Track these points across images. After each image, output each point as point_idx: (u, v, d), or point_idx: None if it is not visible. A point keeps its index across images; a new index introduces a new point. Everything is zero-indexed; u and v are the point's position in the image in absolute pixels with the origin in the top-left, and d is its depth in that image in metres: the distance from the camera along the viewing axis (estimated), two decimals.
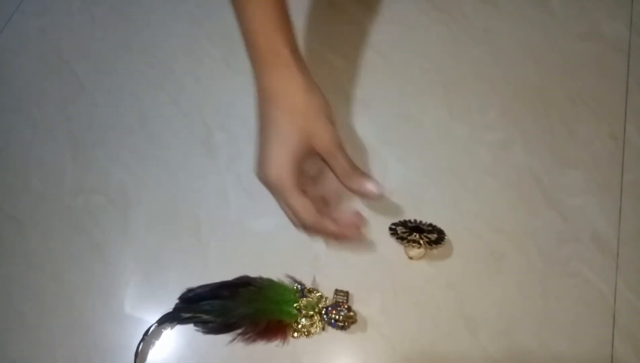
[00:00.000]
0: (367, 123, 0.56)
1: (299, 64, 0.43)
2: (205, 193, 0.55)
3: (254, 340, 0.47)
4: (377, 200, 0.44)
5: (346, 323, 0.46)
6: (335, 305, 0.47)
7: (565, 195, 0.51)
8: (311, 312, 0.47)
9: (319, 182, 0.45)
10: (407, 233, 0.49)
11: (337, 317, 0.46)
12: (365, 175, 0.42)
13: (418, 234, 0.49)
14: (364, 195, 0.42)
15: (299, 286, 0.48)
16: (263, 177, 0.42)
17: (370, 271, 0.50)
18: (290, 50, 0.43)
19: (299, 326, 0.47)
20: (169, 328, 0.49)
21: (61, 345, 0.49)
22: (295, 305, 0.47)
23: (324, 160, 0.43)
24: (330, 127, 0.43)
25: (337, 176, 0.43)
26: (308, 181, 0.44)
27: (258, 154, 0.42)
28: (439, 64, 0.59)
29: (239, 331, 0.47)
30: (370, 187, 0.42)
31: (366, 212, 0.52)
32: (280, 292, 0.48)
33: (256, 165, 0.42)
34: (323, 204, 0.45)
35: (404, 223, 0.49)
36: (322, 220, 0.41)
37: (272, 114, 0.42)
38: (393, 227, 0.50)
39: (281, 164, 0.41)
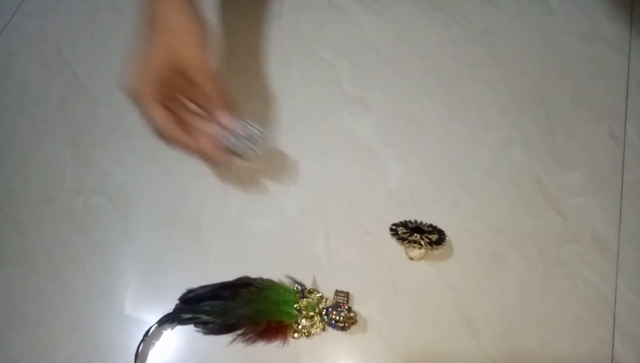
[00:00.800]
0: (367, 123, 0.56)
1: None
2: (205, 193, 0.55)
3: (254, 341, 0.47)
4: (242, 149, 0.46)
5: (346, 324, 0.46)
6: (336, 305, 0.47)
7: (566, 195, 0.51)
8: (311, 313, 0.47)
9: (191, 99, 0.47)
10: (407, 234, 0.49)
11: (337, 317, 0.46)
12: (226, 107, 0.45)
13: (419, 235, 0.49)
14: (221, 127, 0.45)
15: (299, 287, 0.48)
16: (124, 87, 0.44)
17: (370, 272, 0.50)
18: None
19: (299, 327, 0.47)
20: (169, 328, 0.49)
21: (61, 345, 0.49)
22: (295, 305, 0.47)
23: (190, 79, 0.45)
24: (198, 48, 0.44)
25: (197, 97, 0.45)
26: (177, 98, 0.46)
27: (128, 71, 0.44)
28: (439, 64, 0.59)
29: (239, 332, 0.47)
30: (225, 120, 0.45)
31: (366, 212, 0.52)
32: (281, 293, 0.48)
33: (124, 80, 0.44)
34: (195, 121, 0.46)
35: (404, 224, 0.49)
36: (177, 132, 0.44)
37: (146, 33, 0.44)
38: (394, 227, 0.50)
39: (140, 75, 0.43)
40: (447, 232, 0.49)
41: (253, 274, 0.50)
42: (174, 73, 0.44)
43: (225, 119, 0.45)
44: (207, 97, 0.45)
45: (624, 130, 0.53)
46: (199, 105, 0.46)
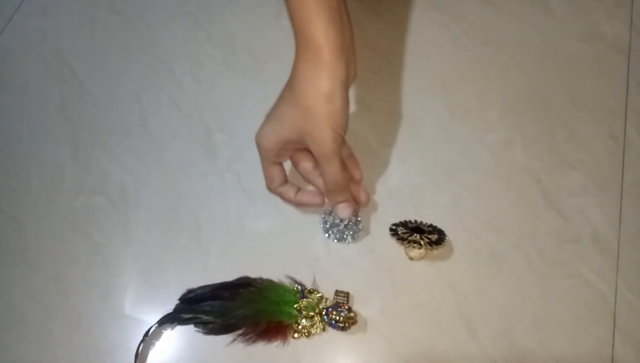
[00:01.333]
0: (367, 123, 0.56)
1: (331, 69, 0.42)
2: (205, 193, 0.55)
3: (254, 341, 0.47)
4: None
5: (346, 324, 0.46)
6: (336, 305, 0.47)
7: (566, 195, 0.51)
8: (311, 313, 0.47)
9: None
10: (407, 234, 0.49)
11: (337, 317, 0.46)
12: (342, 199, 0.46)
13: (419, 235, 0.49)
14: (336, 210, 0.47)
15: (299, 287, 0.48)
16: (255, 140, 0.46)
17: (370, 272, 0.50)
18: (330, 55, 0.42)
19: (300, 327, 0.47)
20: (169, 329, 0.49)
21: (61, 345, 0.49)
22: (295, 305, 0.47)
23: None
24: (328, 139, 0.43)
25: (322, 181, 0.46)
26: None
27: (265, 118, 0.46)
28: (439, 64, 0.59)
29: (239, 332, 0.47)
30: (342, 212, 0.47)
31: (366, 212, 0.52)
32: (281, 293, 0.48)
33: (261, 126, 0.46)
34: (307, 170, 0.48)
35: (404, 224, 0.49)
36: (279, 189, 0.48)
37: (285, 96, 0.44)
38: (393, 227, 0.50)
39: (268, 138, 0.45)
40: (447, 232, 0.49)
41: (253, 274, 0.50)
42: (299, 143, 0.45)
43: (332, 203, 0.47)
44: (323, 180, 0.46)
45: (624, 130, 0.53)
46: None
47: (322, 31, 0.42)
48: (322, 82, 0.42)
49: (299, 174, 0.48)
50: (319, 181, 0.47)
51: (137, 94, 0.61)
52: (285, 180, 0.48)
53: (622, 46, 0.57)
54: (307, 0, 0.41)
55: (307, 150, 0.45)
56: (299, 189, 0.49)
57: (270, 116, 0.45)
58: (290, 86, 0.44)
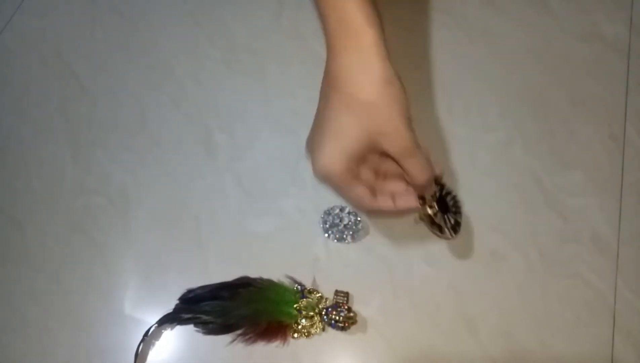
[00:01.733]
0: None
1: (380, 50, 0.36)
2: (205, 193, 0.55)
3: (254, 341, 0.47)
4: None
5: (346, 324, 0.46)
6: (335, 305, 0.47)
7: (565, 195, 0.51)
8: (311, 313, 0.47)
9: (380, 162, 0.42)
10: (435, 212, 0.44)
11: (337, 317, 0.46)
12: (430, 184, 0.40)
13: (446, 216, 0.45)
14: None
15: (299, 287, 0.48)
16: (316, 172, 0.38)
17: (370, 272, 0.50)
18: (374, 34, 0.36)
19: (299, 327, 0.47)
20: (169, 329, 0.49)
21: (61, 345, 0.49)
22: (295, 305, 0.47)
23: (393, 160, 0.40)
24: (403, 129, 0.37)
25: (406, 178, 0.40)
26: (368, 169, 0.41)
27: (313, 146, 0.39)
28: (439, 64, 0.59)
29: (239, 332, 0.47)
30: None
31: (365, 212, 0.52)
32: (280, 293, 0.48)
33: (312, 155, 0.39)
34: (380, 177, 0.42)
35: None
36: (377, 204, 0.40)
37: (332, 103, 0.37)
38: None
39: (334, 162, 0.37)
40: (446, 232, 0.49)
41: (253, 274, 0.50)
42: (370, 150, 0.38)
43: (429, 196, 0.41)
44: (412, 178, 0.40)
45: (624, 130, 0.53)
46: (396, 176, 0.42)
47: (359, 11, 0.35)
48: (375, 67, 0.36)
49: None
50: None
51: (137, 94, 0.61)
52: (374, 191, 0.40)
53: (622, 46, 0.57)
54: None
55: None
56: (392, 194, 0.41)
57: (323, 134, 0.38)
58: (335, 87, 0.37)
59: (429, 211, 0.43)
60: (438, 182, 0.45)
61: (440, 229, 0.45)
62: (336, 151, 0.37)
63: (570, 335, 0.46)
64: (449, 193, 0.47)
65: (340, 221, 0.50)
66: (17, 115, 0.61)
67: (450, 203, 0.46)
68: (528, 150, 0.53)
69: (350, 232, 0.50)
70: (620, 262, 0.48)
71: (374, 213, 0.42)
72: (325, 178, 0.38)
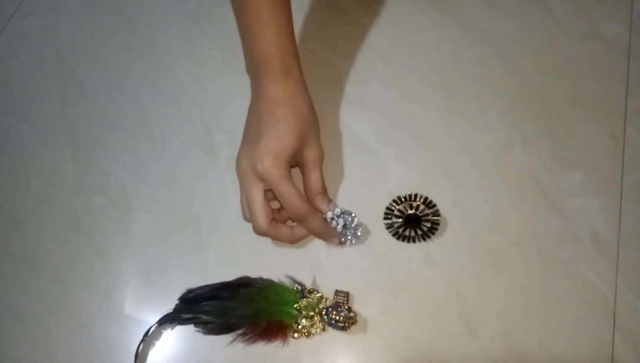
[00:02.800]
0: (366, 123, 0.56)
1: (304, 84, 0.50)
2: (205, 193, 0.55)
3: (254, 341, 0.47)
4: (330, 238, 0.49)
5: (346, 324, 0.46)
6: (336, 305, 0.47)
7: (565, 195, 0.51)
8: (311, 313, 0.47)
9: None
10: (401, 228, 0.50)
11: (337, 317, 0.46)
12: (327, 200, 0.49)
13: (413, 230, 0.49)
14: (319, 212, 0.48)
15: (299, 287, 0.48)
16: (254, 164, 0.44)
17: (370, 272, 0.50)
18: (299, 70, 0.49)
19: (299, 327, 0.47)
20: (169, 329, 0.49)
21: (61, 345, 0.49)
22: (295, 305, 0.47)
23: (302, 169, 0.49)
24: (319, 144, 0.49)
25: (305, 189, 0.49)
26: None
27: (248, 145, 0.46)
28: (439, 64, 0.59)
29: (239, 332, 0.47)
30: (323, 207, 0.48)
31: (366, 212, 0.52)
32: (281, 293, 0.48)
33: (245, 155, 0.46)
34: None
35: (399, 201, 0.51)
36: (311, 211, 0.46)
37: (278, 114, 0.46)
38: (388, 215, 0.51)
39: (278, 155, 0.44)
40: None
41: (253, 274, 0.50)
42: (295, 158, 0.47)
43: (325, 206, 0.49)
44: (313, 186, 0.48)
45: (624, 130, 0.53)
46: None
47: (292, 58, 0.49)
48: (305, 93, 0.49)
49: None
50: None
51: (137, 93, 0.61)
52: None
53: (622, 46, 0.57)
54: (267, 28, 0.47)
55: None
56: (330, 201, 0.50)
57: (265, 139, 0.45)
58: (281, 108, 0.46)
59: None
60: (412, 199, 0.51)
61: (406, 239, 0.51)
62: (280, 149, 0.44)
63: (570, 335, 0.46)
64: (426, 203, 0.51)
65: (342, 221, 0.50)
66: (17, 115, 0.61)
67: (423, 212, 0.50)
68: (528, 150, 0.53)
69: (351, 232, 0.50)
70: (620, 262, 0.48)
71: (311, 218, 0.47)
72: (268, 172, 0.44)
